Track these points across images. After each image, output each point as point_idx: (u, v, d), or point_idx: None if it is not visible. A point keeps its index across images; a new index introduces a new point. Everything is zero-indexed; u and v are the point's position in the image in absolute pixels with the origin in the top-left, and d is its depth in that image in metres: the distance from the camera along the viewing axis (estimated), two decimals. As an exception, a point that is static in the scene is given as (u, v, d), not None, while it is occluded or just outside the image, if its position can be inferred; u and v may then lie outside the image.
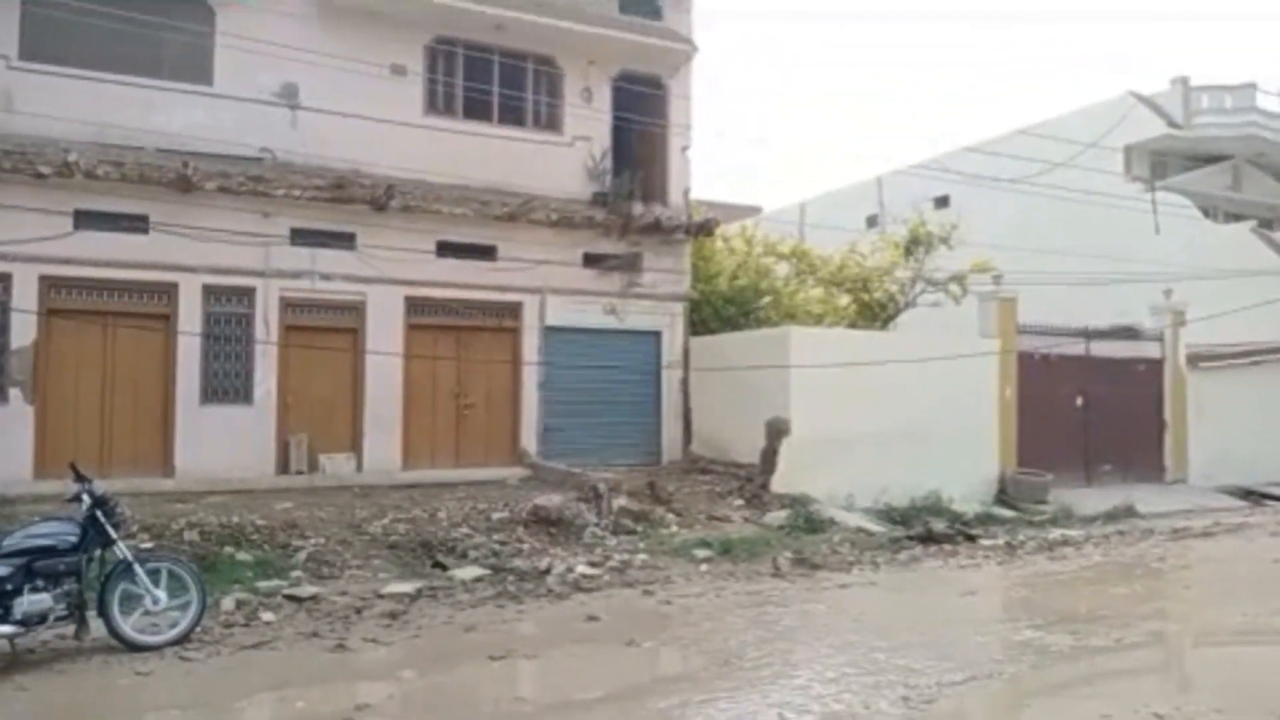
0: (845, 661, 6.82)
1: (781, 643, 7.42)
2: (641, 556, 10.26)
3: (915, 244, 18.70)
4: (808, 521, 12.15)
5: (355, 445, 13.41)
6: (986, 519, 13.49)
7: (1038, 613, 8.61)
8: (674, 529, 11.47)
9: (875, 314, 18.94)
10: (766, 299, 18.30)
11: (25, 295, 11.71)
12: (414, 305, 13.95)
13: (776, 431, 13.43)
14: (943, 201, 22.97)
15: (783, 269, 19.33)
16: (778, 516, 12.24)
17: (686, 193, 16.27)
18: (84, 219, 11.99)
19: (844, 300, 19.27)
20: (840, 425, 13.39)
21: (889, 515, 13.11)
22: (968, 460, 14.61)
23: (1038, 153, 21.05)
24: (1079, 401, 16.77)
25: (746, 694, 6.15)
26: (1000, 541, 12.23)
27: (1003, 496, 14.89)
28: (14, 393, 11.66)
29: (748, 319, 17.39)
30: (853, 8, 72.26)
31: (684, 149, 16.25)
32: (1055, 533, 12.93)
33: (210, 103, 12.75)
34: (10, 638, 6.51)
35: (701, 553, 10.57)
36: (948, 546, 11.76)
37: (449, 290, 14.16)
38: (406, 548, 9.87)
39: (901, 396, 13.92)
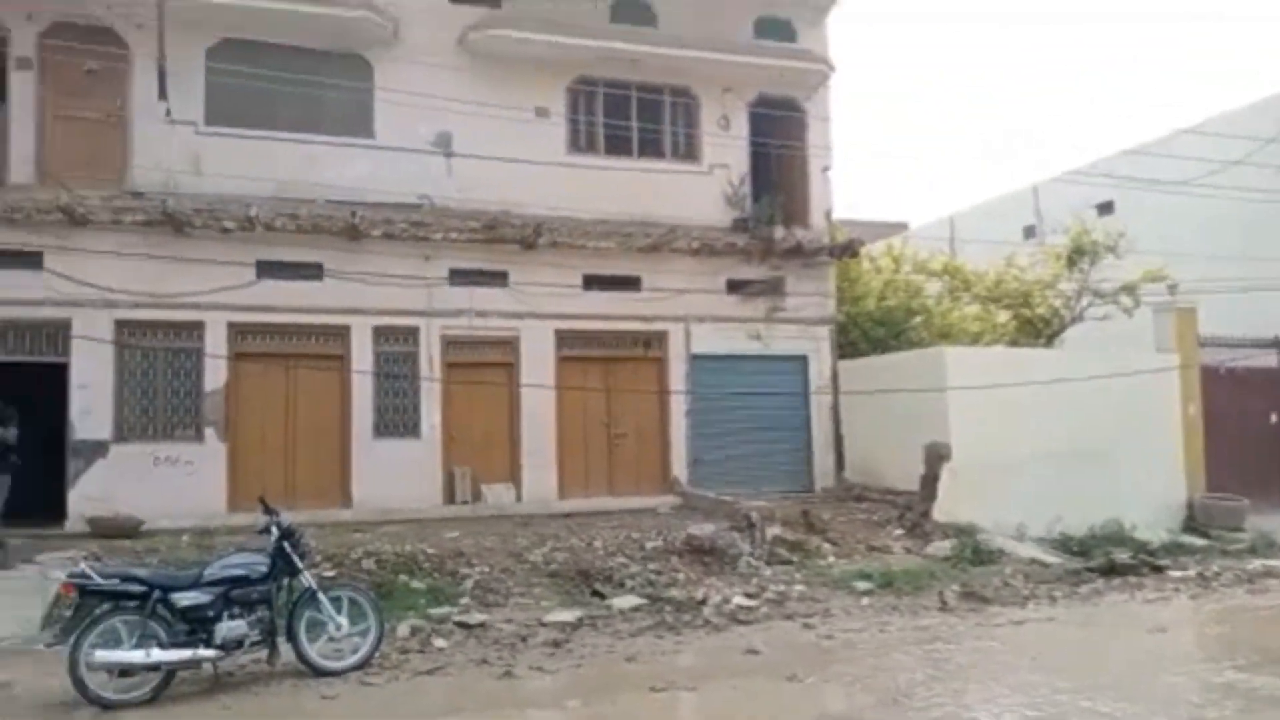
0: (1024, 703, 6.45)
1: (953, 682, 7.10)
2: (799, 588, 10.08)
3: (1079, 254, 17.69)
4: (975, 552, 11.60)
5: (514, 475, 13.85)
6: (1175, 548, 12.51)
7: (1240, 652, 7.90)
8: (831, 559, 11.21)
9: (1038, 330, 18.02)
10: (918, 319, 17.77)
11: (216, 341, 12.77)
12: (564, 338, 14.33)
13: (936, 457, 12.92)
14: (1106, 208, 21.61)
15: (934, 287, 18.71)
16: (942, 547, 11.75)
17: (829, 214, 16.06)
18: (265, 268, 12.98)
19: (1002, 317, 18.44)
20: (1006, 449, 12.74)
21: (1065, 545, 12.37)
22: (1150, 484, 13.61)
23: (1207, 151, 19.53)
24: (1274, 418, 15.37)
25: (918, 735, 5.92)
26: (1191, 573, 11.30)
27: (1191, 523, 13.80)
28: (209, 432, 12.70)
29: (899, 340, 16.92)
30: (990, 8, 69.72)
31: (824, 170, 16.06)
32: (1255, 563, 11.85)
33: (373, 154, 13.58)
34: (212, 661, 7.03)
35: (862, 585, 10.27)
36: (1132, 578, 10.96)
37: (596, 322, 14.48)
38: (566, 576, 10.07)
39: (1072, 417, 13.14)
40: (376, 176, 13.38)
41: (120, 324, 12.49)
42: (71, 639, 6.50)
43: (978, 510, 12.51)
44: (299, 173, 13.03)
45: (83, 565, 7.05)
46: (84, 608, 6.64)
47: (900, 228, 25.45)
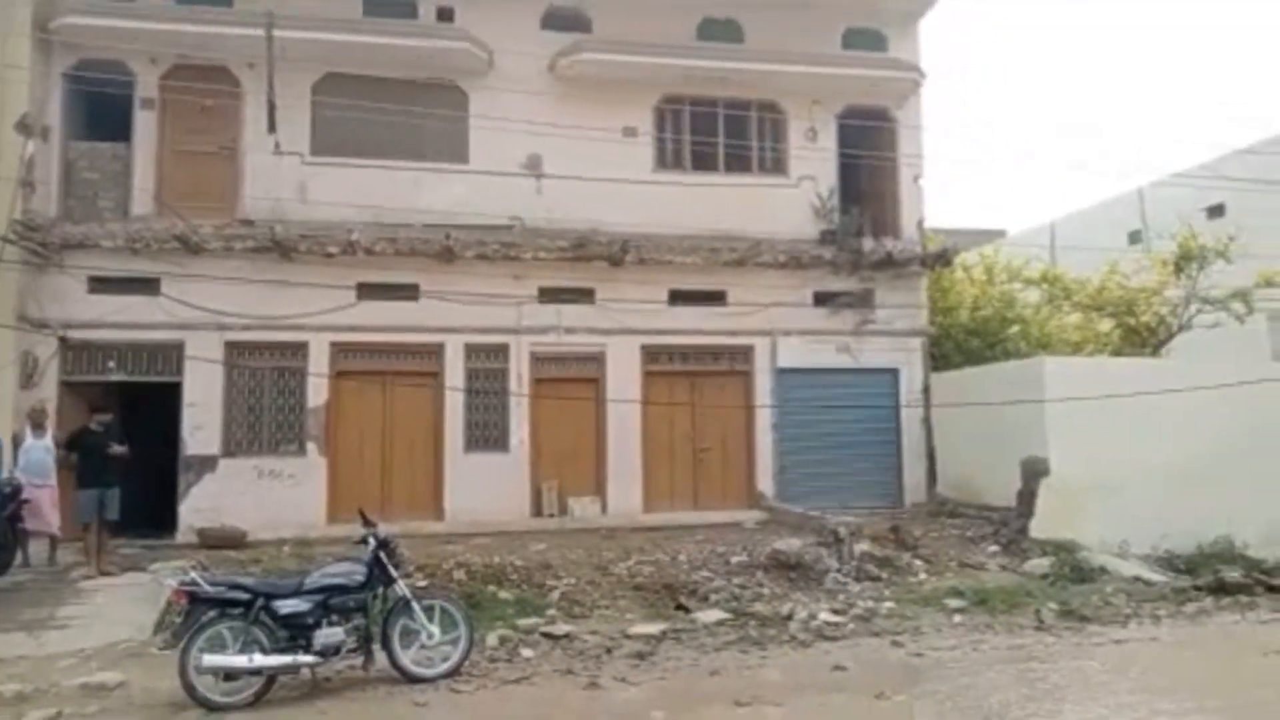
0: (1123, 726, 6.21)
1: (1048, 702, 6.88)
2: (888, 605, 9.88)
3: (1186, 260, 16.87)
4: (1074, 570, 11.15)
5: (600, 489, 14.02)
6: (1292, 568, 11.75)
7: (1367, 680, 7.40)
8: (922, 576, 10.96)
9: (1142, 339, 17.24)
10: (1014, 328, 17.23)
11: (319, 360, 13.37)
12: (650, 353, 14.46)
13: (1033, 472, 12.51)
14: (1217, 211, 20.56)
15: (1032, 295, 18.12)
16: (1039, 564, 11.35)
17: (920, 223, 15.78)
18: (365, 290, 13.54)
19: (1105, 326, 17.74)
20: (1107, 464, 12.21)
21: (1170, 563, 11.79)
22: (1265, 501, 12.80)
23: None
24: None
25: (1009, 756, 5.76)
26: (1313, 594, 10.61)
27: (1313, 543, 12.91)
28: (311, 447, 13.29)
29: (994, 351, 16.45)
30: (1091, 8, 67.27)
31: (916, 179, 15.80)
32: (1385, 585, 11.03)
33: (467, 178, 14.03)
34: (311, 666, 7.33)
35: (954, 602, 10.01)
36: (1244, 598, 10.38)
37: (682, 337, 14.57)
38: (650, 589, 10.12)
39: (1179, 431, 12.51)
40: (470, 199, 13.82)
41: (230, 345, 13.22)
42: (181, 643, 6.88)
43: (1078, 527, 12.04)
44: (397, 198, 13.53)
45: (192, 574, 7.48)
46: (193, 614, 7.00)
47: (998, 235, 24.75)
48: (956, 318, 17.03)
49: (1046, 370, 13.13)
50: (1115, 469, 12.19)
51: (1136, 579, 11.05)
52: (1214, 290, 16.51)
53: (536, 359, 14.09)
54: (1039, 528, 12.21)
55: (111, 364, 13.00)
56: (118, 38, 12.81)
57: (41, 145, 12.81)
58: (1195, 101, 65.65)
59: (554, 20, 14.63)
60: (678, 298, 14.55)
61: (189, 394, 12.99)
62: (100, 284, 12.91)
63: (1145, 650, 8.48)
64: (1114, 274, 17.61)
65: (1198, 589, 10.61)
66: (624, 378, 14.22)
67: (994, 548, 12.10)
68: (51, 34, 12.84)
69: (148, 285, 13.02)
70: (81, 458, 10.43)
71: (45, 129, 12.92)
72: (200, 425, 12.97)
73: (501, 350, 13.98)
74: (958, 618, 9.59)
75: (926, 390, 15.24)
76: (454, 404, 13.71)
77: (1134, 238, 22.72)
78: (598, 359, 14.29)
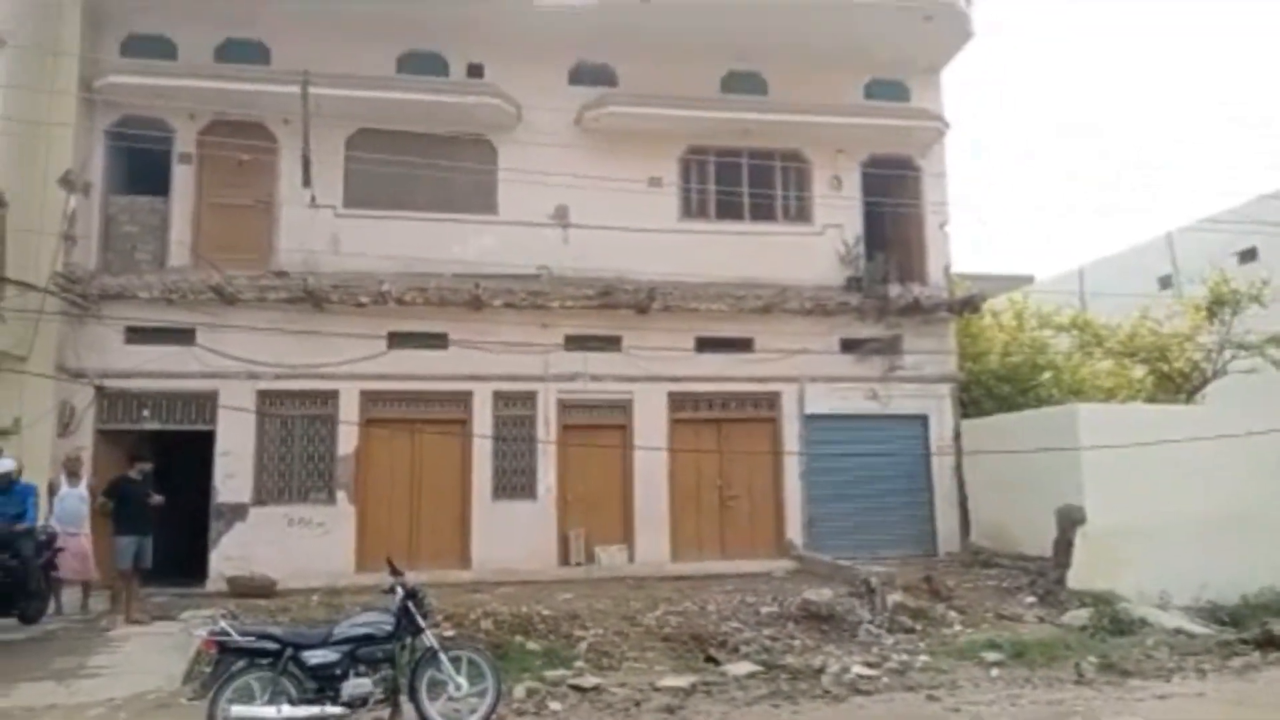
0: (1170, 787, 5.99)
1: (1090, 760, 6.66)
2: (923, 658, 9.67)
3: (1219, 304, 16.70)
4: (1114, 622, 10.88)
5: (627, 537, 13.94)
6: (1344, 620, 11.37)
7: None
8: (957, 628, 10.73)
9: (1177, 386, 16.99)
10: (1046, 375, 17.05)
11: (349, 408, 13.49)
12: (676, 400, 14.45)
13: (1070, 521, 12.28)
14: (1249, 255, 20.36)
15: (1063, 342, 17.95)
16: (1078, 616, 11.08)
17: (947, 269, 15.77)
18: (395, 339, 13.69)
19: (1138, 372, 17.51)
20: (1146, 513, 11.95)
21: (1214, 615, 11.48)
22: (1311, 550, 12.46)
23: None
24: None
25: (1052, 817, 5.57)
26: (1365, 648, 10.24)
27: (1363, 594, 12.51)
28: (340, 495, 13.35)
29: (1025, 397, 16.27)
30: (1116, 54, 67.49)
31: (942, 225, 15.83)
32: None
33: (496, 229, 14.24)
34: (339, 718, 7.26)
35: (991, 655, 9.77)
36: (1294, 653, 10.03)
37: (709, 384, 14.56)
38: (679, 640, 9.98)
39: (1219, 478, 12.25)
40: (498, 250, 14.01)
41: (262, 394, 13.38)
42: (210, 694, 6.85)
43: (1116, 577, 11.77)
44: (428, 249, 13.70)
45: (222, 623, 7.47)
46: (222, 663, 6.98)
47: (1026, 280, 24.62)
48: (986, 364, 16.90)
49: (1080, 417, 12.96)
50: (1153, 517, 11.94)
51: (1179, 631, 10.75)
52: (1249, 335, 16.30)
53: (564, 406, 14.12)
54: (1076, 578, 11.96)
55: (146, 413, 13.19)
56: (159, 95, 13.23)
57: (83, 200, 13.16)
58: (1226, 145, 65.39)
59: (581, 75, 14.93)
60: (704, 345, 14.57)
61: (222, 442, 13.14)
62: (136, 334, 13.16)
63: (1191, 706, 8.21)
64: (1145, 320, 17.45)
65: (1244, 642, 10.26)
66: (651, 425, 14.20)
67: (1030, 599, 11.85)
68: (95, 93, 13.28)
69: (183, 335, 13.25)
70: (120, 506, 10.53)
71: (87, 184, 13.29)
72: (232, 473, 13.08)
73: (529, 398, 14.03)
74: (995, 671, 9.36)
75: (958, 437, 15.08)
76: (482, 451, 13.75)
77: (1164, 283, 22.53)
78: (625, 406, 14.30)
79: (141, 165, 13.74)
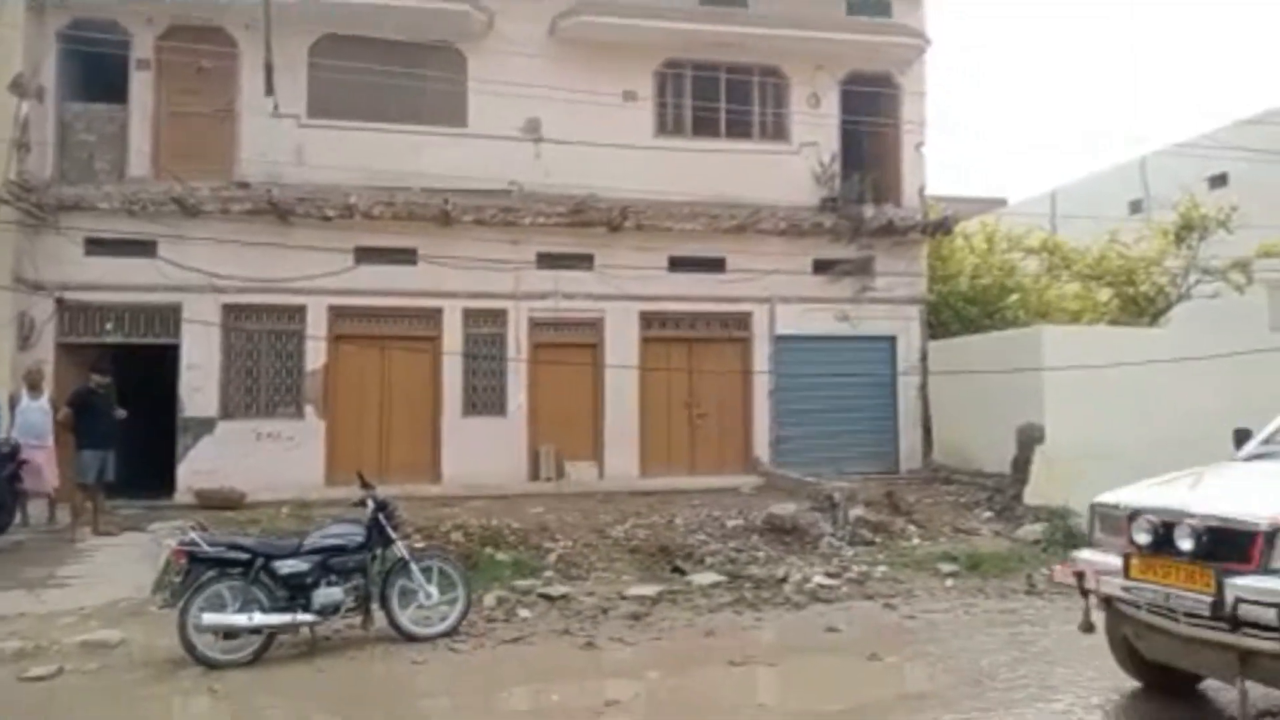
0: (1111, 687, 6.29)
1: (1038, 664, 6.96)
2: (881, 569, 9.96)
3: (1188, 229, 16.83)
4: (1067, 536, 11.19)
5: (597, 454, 14.09)
6: (1286, 536, 11.82)
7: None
8: (915, 541, 11.04)
9: (1141, 309, 17.23)
10: (1013, 297, 17.21)
11: (317, 324, 13.36)
12: (648, 319, 14.45)
13: (1029, 439, 12.57)
14: (1219, 181, 20.45)
15: (1032, 265, 18.08)
16: (1032, 530, 11.43)
17: (922, 190, 15.70)
18: (363, 254, 13.49)
19: (1104, 295, 17.71)
20: (1103, 433, 12.18)
21: (1164, 530, 11.84)
22: (1261, 471, 12.83)
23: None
24: (1405, 401, 14.32)
25: (1000, 716, 5.84)
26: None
27: (1308, 512, 12.98)
28: (309, 410, 13.32)
29: (992, 320, 16.45)
30: (1106, -23, 66.30)
31: (918, 146, 15.69)
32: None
33: (465, 142, 13.89)
34: (310, 625, 7.41)
35: (946, 567, 10.09)
36: (1235, 566, 10.45)
37: (681, 304, 14.56)
38: (646, 552, 10.18)
39: (1176, 400, 12.48)
40: (468, 164, 13.67)
41: (227, 308, 13.19)
42: (181, 602, 6.95)
43: (1072, 494, 12.02)
44: (395, 161, 13.41)
45: (191, 534, 7.52)
46: (192, 573, 7.05)
47: (999, 203, 24.50)
48: (956, 286, 17.01)
49: (1044, 339, 13.12)
50: (1111, 437, 12.19)
51: (1129, 546, 11.11)
52: (1214, 260, 16.49)
53: (535, 324, 14.08)
54: (1033, 495, 12.28)
55: (108, 326, 12.99)
56: (111, -4, 12.65)
57: (36, 106, 12.69)
58: (1200, 71, 65.06)
59: (554, -18, 14.43)
60: (677, 264, 14.51)
61: (187, 356, 12.99)
62: (97, 246, 12.86)
63: (1136, 615, 8.55)
64: (1114, 243, 17.57)
65: (1187, 555, 10.66)
66: (622, 343, 14.22)
67: (988, 514, 12.19)
68: (44, -7, 12.68)
69: (144, 247, 12.96)
70: (83, 419, 10.44)
71: (40, 90, 12.79)
72: (198, 387, 12.98)
73: (500, 315, 13.96)
74: (950, 582, 9.68)
75: (924, 358, 15.26)
76: (452, 368, 13.72)
77: (1135, 207, 22.64)
78: (596, 325, 14.28)
79: (98, 72, 13.19)
